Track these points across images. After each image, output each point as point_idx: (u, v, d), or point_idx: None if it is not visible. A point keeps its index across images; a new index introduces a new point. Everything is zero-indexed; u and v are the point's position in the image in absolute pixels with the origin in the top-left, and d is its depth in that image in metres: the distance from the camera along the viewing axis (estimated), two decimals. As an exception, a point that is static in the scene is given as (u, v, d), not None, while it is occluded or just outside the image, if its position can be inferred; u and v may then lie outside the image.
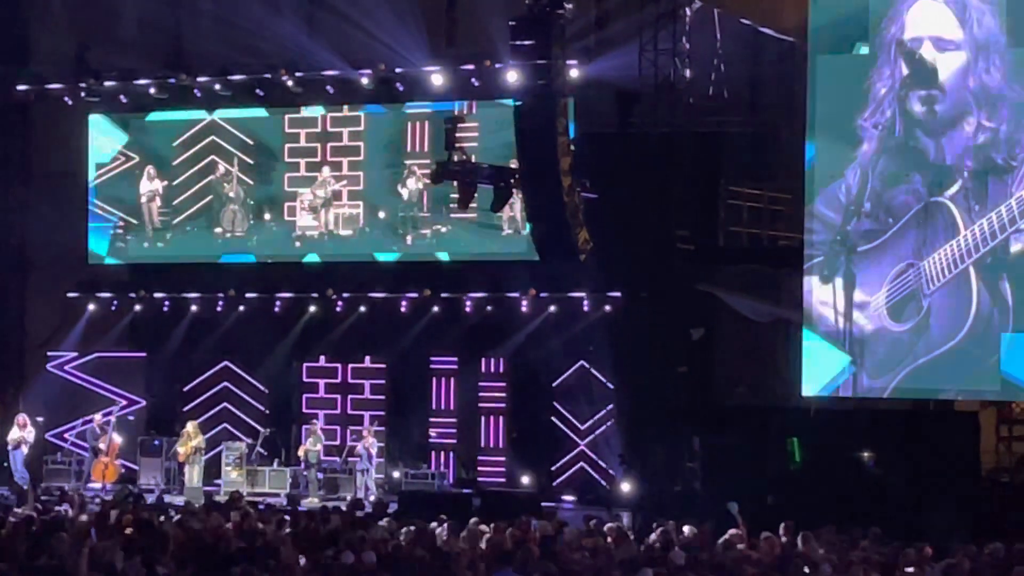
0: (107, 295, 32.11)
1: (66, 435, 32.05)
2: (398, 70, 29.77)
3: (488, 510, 22.62)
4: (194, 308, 31.63)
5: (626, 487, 26.60)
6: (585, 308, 28.96)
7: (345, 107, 31.02)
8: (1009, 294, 23.52)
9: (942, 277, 23.95)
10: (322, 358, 31.82)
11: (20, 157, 33.18)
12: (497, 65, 28.38)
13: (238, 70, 30.92)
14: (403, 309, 30.35)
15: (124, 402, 31.66)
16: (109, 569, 14.73)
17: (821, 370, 24.78)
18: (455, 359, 30.95)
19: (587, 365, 29.34)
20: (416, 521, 19.21)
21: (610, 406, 28.91)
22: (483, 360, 30.73)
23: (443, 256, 30.37)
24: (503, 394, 30.66)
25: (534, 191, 23.97)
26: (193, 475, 29.44)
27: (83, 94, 31.56)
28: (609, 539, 18.08)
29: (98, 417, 30.11)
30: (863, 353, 24.49)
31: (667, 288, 26.59)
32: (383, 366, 31.44)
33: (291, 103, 31.25)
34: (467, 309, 30.00)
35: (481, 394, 30.75)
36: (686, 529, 18.98)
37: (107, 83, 31.32)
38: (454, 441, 30.81)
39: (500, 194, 25.14)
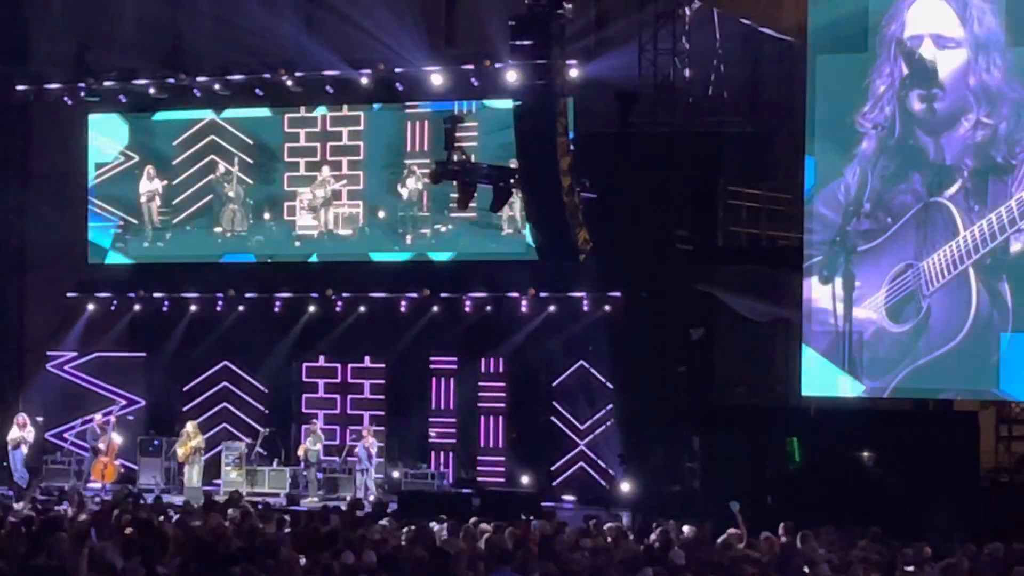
0: (107, 295, 32.11)
1: (66, 435, 32.06)
2: (398, 70, 29.76)
3: (488, 510, 22.63)
4: (194, 308, 31.62)
5: (626, 487, 26.61)
6: (585, 308, 28.95)
7: (345, 107, 31.03)
8: (1008, 295, 23.50)
9: (941, 278, 23.93)
10: (322, 358, 31.82)
11: (20, 157, 33.18)
12: (497, 65, 28.39)
13: (238, 70, 30.92)
14: (403, 309, 30.34)
15: (124, 402, 31.67)
16: (109, 569, 14.72)
17: (819, 380, 24.78)
18: (455, 359, 30.95)
19: (587, 365, 29.34)
20: (416, 521, 19.21)
21: (610, 406, 28.90)
22: (483, 360, 30.73)
23: (443, 256, 30.37)
24: (503, 394, 30.66)
25: (534, 191, 23.96)
26: (193, 475, 29.43)
27: (83, 94, 31.56)
28: (609, 539, 18.08)
29: (98, 417, 30.11)
30: (862, 354, 24.47)
31: (667, 288, 26.59)
32: (383, 366, 31.44)
33: (291, 103, 31.25)
34: (467, 309, 30.00)
35: (481, 394, 30.75)
36: (686, 529, 19.00)
37: (107, 83, 31.32)
38: (454, 441, 30.81)
39: (500, 194, 25.13)
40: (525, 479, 29.26)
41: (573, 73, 26.70)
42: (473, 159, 25.97)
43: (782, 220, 27.35)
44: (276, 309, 31.18)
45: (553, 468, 29.66)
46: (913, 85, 24.23)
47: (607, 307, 28.65)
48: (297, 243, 31.29)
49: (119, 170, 32.36)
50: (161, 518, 19.18)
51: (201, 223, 31.81)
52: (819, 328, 24.79)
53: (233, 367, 31.92)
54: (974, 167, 23.82)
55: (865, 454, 24.12)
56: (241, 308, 31.34)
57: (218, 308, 31.41)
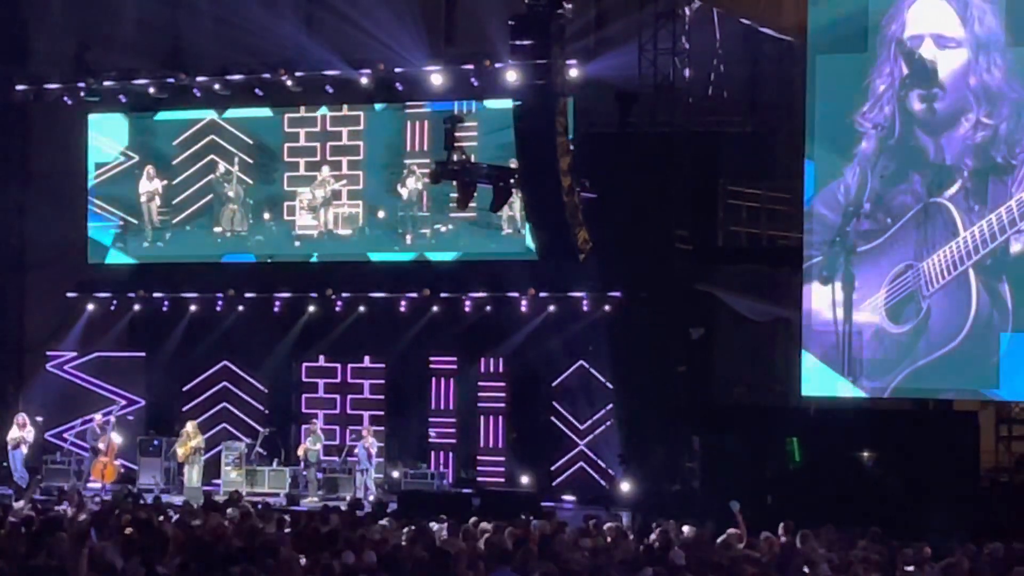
0: (106, 295, 32.10)
1: (66, 435, 32.06)
2: (398, 70, 29.76)
3: (488, 510, 22.61)
4: (193, 308, 31.62)
5: (626, 487, 26.60)
6: (584, 308, 28.95)
7: (345, 107, 31.03)
8: (1009, 295, 23.49)
9: (941, 278, 23.92)
10: (321, 358, 31.82)
11: (19, 157, 33.17)
12: (497, 65, 28.39)
13: (238, 70, 30.92)
14: (402, 309, 30.34)
15: (124, 402, 31.67)
16: (109, 569, 14.72)
17: (819, 380, 24.78)
18: (454, 359, 30.95)
19: (586, 365, 29.34)
20: (416, 521, 19.21)
21: (609, 406, 28.90)
22: (482, 360, 30.73)
23: (443, 256, 30.36)
24: (502, 394, 30.66)
25: (534, 191, 23.96)
26: (192, 475, 29.43)
27: (82, 94, 31.54)
28: (609, 539, 18.08)
29: (98, 417, 30.11)
30: (862, 355, 24.46)
31: (667, 288, 26.60)
32: (382, 366, 31.44)
33: (291, 103, 31.25)
34: (466, 309, 29.99)
35: (480, 394, 30.75)
36: (686, 529, 18.99)
37: (106, 83, 31.30)
38: (453, 441, 30.81)
39: (499, 194, 25.12)
40: (525, 479, 29.26)
41: (573, 73, 26.69)
42: (473, 159, 25.97)
43: (782, 220, 27.34)
44: (276, 309, 31.18)
45: (553, 468, 29.66)
46: (913, 85, 24.22)
47: (607, 307, 28.65)
48: (297, 243, 31.29)
49: (119, 170, 32.36)
50: (161, 518, 19.18)
51: (201, 223, 31.82)
52: (819, 329, 24.78)
53: (233, 367, 31.92)
54: (974, 167, 23.82)
55: (865, 454, 24.11)
56: (241, 308, 31.34)
57: (218, 308, 31.41)
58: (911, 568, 16.26)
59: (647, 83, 26.43)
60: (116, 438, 29.90)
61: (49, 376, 32.47)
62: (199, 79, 31.12)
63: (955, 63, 23.95)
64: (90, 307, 32.19)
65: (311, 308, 31.00)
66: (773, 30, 26.83)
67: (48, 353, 32.65)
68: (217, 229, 31.72)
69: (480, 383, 30.75)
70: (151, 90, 31.47)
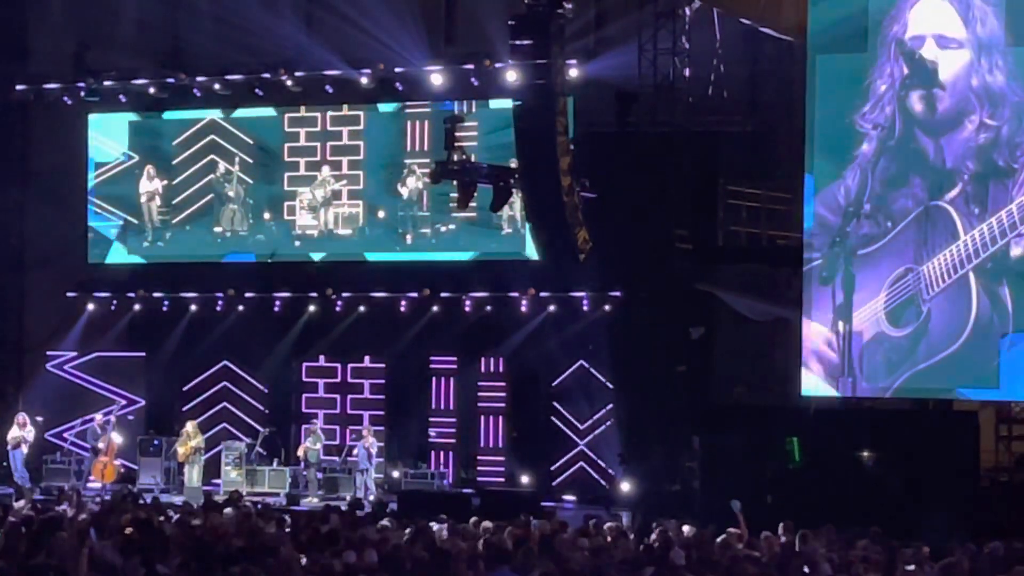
0: (106, 295, 32.11)
1: (66, 435, 32.07)
2: (398, 70, 29.78)
3: (488, 510, 22.61)
4: (194, 308, 31.63)
5: (626, 487, 26.60)
6: (585, 308, 28.97)
7: (345, 107, 31.03)
8: (1009, 299, 23.46)
9: (942, 282, 23.89)
10: (321, 358, 31.83)
11: (19, 157, 33.16)
12: (497, 65, 28.41)
13: (238, 70, 30.94)
14: (403, 309, 30.35)
15: (124, 402, 31.67)
16: (109, 569, 14.72)
17: (819, 381, 24.78)
18: (454, 359, 30.96)
19: (586, 365, 29.35)
20: (416, 521, 19.20)
21: (610, 406, 28.91)
22: (482, 360, 30.74)
23: (443, 256, 30.36)
24: (503, 394, 30.67)
25: (534, 191, 23.96)
26: (193, 475, 29.44)
27: (82, 94, 31.53)
28: (609, 538, 18.07)
29: (99, 417, 30.13)
30: (862, 358, 24.44)
31: (667, 288, 26.59)
32: (382, 366, 31.45)
33: (291, 103, 31.26)
34: (466, 309, 30.00)
35: (480, 394, 30.76)
36: (686, 529, 18.99)
37: (106, 83, 31.30)
38: (453, 441, 30.81)
39: (500, 194, 25.14)
40: (525, 479, 29.27)
41: (573, 73, 26.72)
42: (473, 159, 25.99)
43: (782, 220, 27.34)
44: (276, 309, 31.19)
45: (553, 468, 29.67)
46: (914, 85, 24.20)
47: (607, 307, 28.66)
48: (297, 243, 31.30)
49: (119, 170, 32.37)
50: (161, 518, 19.18)
51: (201, 223, 31.83)
52: (819, 330, 24.75)
53: (233, 367, 31.92)
54: (975, 170, 23.78)
55: (865, 454, 24.10)
56: (241, 308, 31.35)
57: (218, 308, 31.43)
58: (911, 568, 16.25)
59: (647, 83, 26.42)
60: (116, 438, 29.92)
61: (49, 376, 32.48)
62: (199, 79, 31.14)
63: (957, 64, 23.93)
64: (90, 307, 32.21)
65: (311, 308, 31.01)
66: (773, 30, 26.82)
67: (48, 353, 32.65)
68: (217, 229, 31.73)
69: (480, 383, 30.76)
70: (151, 90, 31.49)
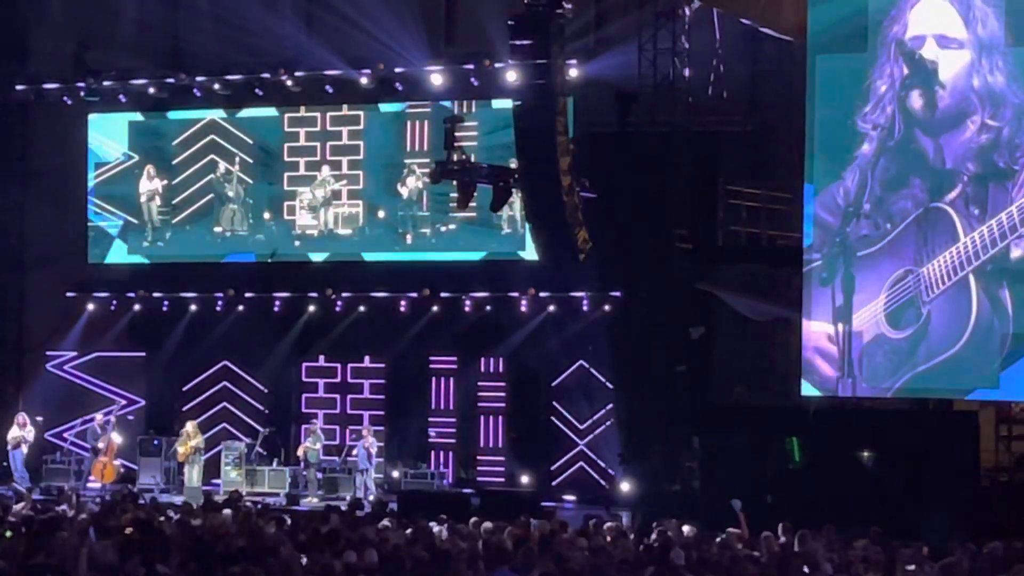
0: (106, 295, 32.11)
1: (66, 435, 32.06)
2: (398, 70, 29.77)
3: (488, 510, 22.61)
4: (194, 308, 31.63)
5: (626, 487, 26.60)
6: (584, 308, 28.97)
7: (345, 107, 31.03)
8: (1009, 301, 23.43)
9: (942, 284, 23.86)
10: (321, 358, 31.82)
11: (19, 157, 33.15)
12: (497, 65, 28.40)
13: (238, 70, 30.93)
14: (402, 309, 30.35)
15: (124, 402, 31.66)
16: (108, 569, 14.72)
17: (819, 382, 24.78)
18: (454, 359, 30.95)
19: (586, 365, 29.35)
20: (416, 521, 19.21)
21: (610, 406, 28.90)
22: (482, 360, 30.74)
23: (443, 256, 30.36)
24: (502, 394, 30.67)
25: (534, 191, 23.96)
26: (192, 475, 29.43)
27: (82, 94, 31.51)
28: (609, 538, 18.07)
29: (99, 417, 30.14)
30: (861, 359, 24.43)
31: (667, 288, 26.59)
32: (382, 366, 31.44)
33: (291, 103, 31.26)
34: (466, 309, 30.00)
35: (480, 394, 30.75)
36: (686, 529, 18.99)
37: (106, 83, 31.29)
38: (453, 441, 30.81)
39: (499, 194, 25.14)
40: (525, 479, 29.26)
41: (573, 73, 26.71)
42: (473, 159, 25.99)
43: (782, 220, 27.34)
44: (276, 309, 31.19)
45: (553, 468, 29.66)
46: (914, 85, 24.18)
47: (607, 307, 28.66)
48: (297, 243, 31.30)
49: (119, 170, 32.37)
50: (161, 518, 19.18)
51: (201, 223, 31.83)
52: (818, 331, 24.74)
53: (233, 367, 31.92)
54: (975, 172, 23.75)
55: (865, 454, 24.09)
56: (241, 308, 31.35)
57: (218, 308, 31.42)
58: (912, 567, 16.25)
59: (647, 83, 26.42)
60: (116, 438, 29.93)
61: (49, 376, 32.47)
62: (199, 79, 31.13)
63: (957, 64, 23.91)
64: (90, 307, 32.20)
65: (311, 308, 31.00)
66: (773, 30, 26.81)
67: (48, 353, 32.65)
68: (217, 229, 31.73)
69: (480, 383, 30.76)
70: (151, 90, 31.49)
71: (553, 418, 29.77)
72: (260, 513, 19.96)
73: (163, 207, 32.04)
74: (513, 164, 25.09)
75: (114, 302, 32.08)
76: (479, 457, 30.61)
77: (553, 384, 29.78)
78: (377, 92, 30.38)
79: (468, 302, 29.91)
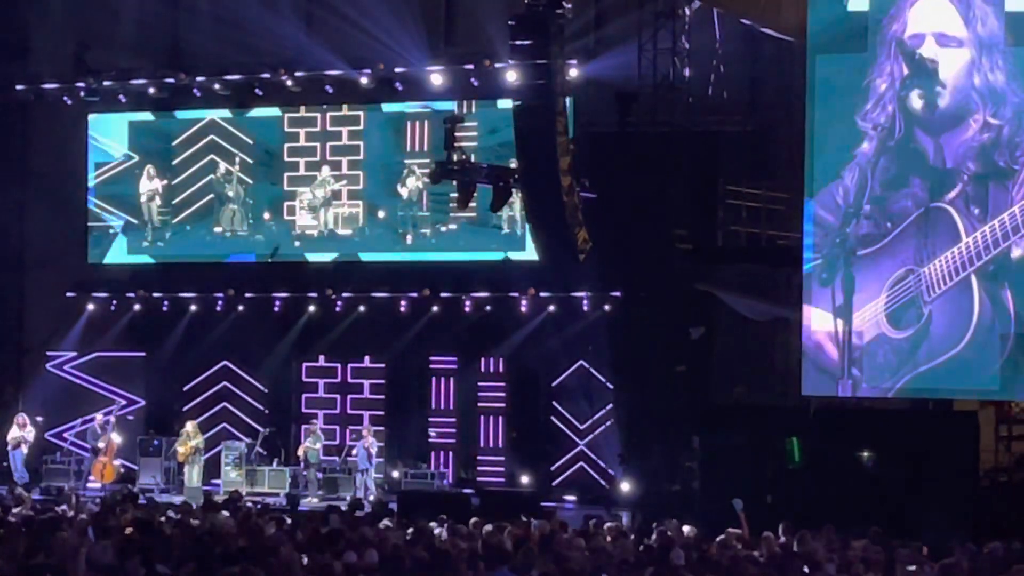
0: (106, 295, 32.12)
1: (66, 435, 32.07)
2: (397, 70, 29.79)
3: (488, 510, 22.61)
4: (193, 308, 31.63)
5: (626, 487, 26.59)
6: (584, 308, 28.98)
7: (345, 107, 31.04)
8: (1011, 301, 23.40)
9: (943, 284, 23.83)
10: (321, 358, 31.82)
11: (19, 157, 33.16)
12: (497, 65, 28.41)
13: (238, 70, 30.94)
14: (402, 309, 30.36)
15: (124, 402, 31.67)
16: (108, 569, 14.72)
17: (819, 382, 24.76)
18: (454, 359, 30.95)
19: (586, 365, 29.35)
20: (416, 521, 19.21)
21: (610, 406, 28.91)
22: (482, 360, 30.74)
23: (443, 256, 30.36)
24: (502, 394, 30.67)
25: (534, 191, 23.96)
26: (192, 475, 29.45)
27: (82, 94, 31.52)
28: (609, 538, 18.08)
29: (99, 417, 30.14)
30: (862, 360, 24.41)
31: (666, 288, 26.58)
32: (382, 366, 31.44)
33: (291, 103, 31.26)
34: (466, 309, 30.01)
35: (480, 394, 30.76)
36: (686, 529, 18.99)
37: (106, 83, 31.29)
38: (453, 441, 30.81)
39: (499, 194, 25.14)
40: (525, 479, 29.26)
41: (573, 73, 26.73)
42: (473, 159, 25.99)
43: (782, 220, 27.30)
44: (276, 309, 31.19)
45: (553, 468, 29.67)
46: (914, 84, 24.15)
47: (607, 307, 28.67)
48: (297, 243, 31.30)
49: (119, 170, 32.38)
50: (161, 518, 19.18)
51: (201, 223, 31.83)
52: (818, 331, 24.73)
53: (233, 367, 31.92)
54: (975, 171, 23.71)
55: (865, 454, 24.08)
56: (241, 308, 31.35)
57: (218, 308, 31.43)
58: (912, 567, 16.25)
59: (647, 83, 26.41)
60: (116, 438, 29.93)
61: (49, 376, 32.48)
62: (199, 79, 31.15)
63: (958, 63, 23.88)
64: (90, 307, 32.21)
65: (311, 308, 31.01)
66: (773, 30, 26.80)
67: (48, 353, 32.66)
68: (217, 229, 31.74)
69: (480, 383, 30.76)
70: (151, 90, 31.50)
71: (553, 418, 29.78)
72: (262, 514, 19.94)
73: (163, 207, 32.05)
74: (513, 164, 25.09)
75: (114, 302, 32.09)
76: (479, 457, 30.61)
77: (553, 384, 29.79)
78: (377, 92, 30.39)
79: (468, 302, 29.92)
